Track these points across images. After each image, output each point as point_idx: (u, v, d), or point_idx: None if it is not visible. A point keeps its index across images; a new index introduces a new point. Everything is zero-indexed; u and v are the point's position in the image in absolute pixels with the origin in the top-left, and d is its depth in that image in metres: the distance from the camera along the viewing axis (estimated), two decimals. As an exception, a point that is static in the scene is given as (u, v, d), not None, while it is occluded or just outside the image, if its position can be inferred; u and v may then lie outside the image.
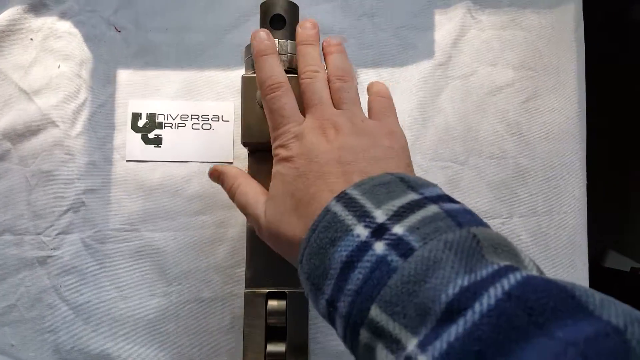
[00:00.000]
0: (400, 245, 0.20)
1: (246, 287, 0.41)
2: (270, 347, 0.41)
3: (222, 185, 0.35)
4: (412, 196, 0.23)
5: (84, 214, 0.44)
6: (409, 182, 0.24)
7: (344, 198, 0.23)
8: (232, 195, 0.33)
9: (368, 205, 0.22)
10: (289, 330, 0.41)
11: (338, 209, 0.23)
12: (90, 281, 0.44)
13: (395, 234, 0.21)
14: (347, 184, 0.24)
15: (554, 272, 0.45)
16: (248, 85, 0.37)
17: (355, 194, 0.23)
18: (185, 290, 0.44)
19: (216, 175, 0.36)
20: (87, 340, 0.43)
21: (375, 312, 0.20)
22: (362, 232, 0.21)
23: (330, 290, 0.22)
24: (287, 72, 0.34)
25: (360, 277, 0.20)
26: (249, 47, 0.36)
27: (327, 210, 0.23)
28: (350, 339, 0.21)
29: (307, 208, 0.25)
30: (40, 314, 0.43)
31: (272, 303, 0.41)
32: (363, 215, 0.22)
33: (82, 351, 0.43)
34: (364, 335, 0.20)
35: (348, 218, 0.22)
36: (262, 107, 0.34)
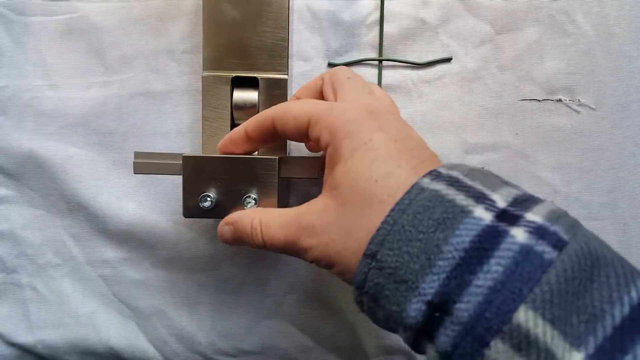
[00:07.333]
0: (546, 235, 0.17)
1: (204, 69, 0.31)
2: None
3: (243, 240, 0.26)
4: (515, 189, 0.20)
5: (-11, -32, 0.33)
6: (498, 176, 0.21)
7: (443, 176, 0.19)
8: (258, 241, 0.25)
9: (479, 186, 0.19)
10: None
11: (439, 186, 0.19)
12: (6, 63, 0.34)
13: (533, 222, 0.17)
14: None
15: None
16: None
17: (455, 174, 0.20)
18: (130, 80, 0.34)
19: (230, 233, 0.27)
20: (8, 136, 0.34)
21: (524, 316, 0.16)
22: (484, 215, 0.18)
23: (438, 287, 0.17)
24: None
25: (499, 270, 0.17)
26: None
27: (420, 188, 0.19)
28: (465, 355, 0.17)
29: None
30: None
31: (239, 94, 0.31)
32: (479, 197, 0.18)
33: (1, 149, 0.34)
34: (498, 348, 0.16)
35: (459, 197, 0.18)
36: None
